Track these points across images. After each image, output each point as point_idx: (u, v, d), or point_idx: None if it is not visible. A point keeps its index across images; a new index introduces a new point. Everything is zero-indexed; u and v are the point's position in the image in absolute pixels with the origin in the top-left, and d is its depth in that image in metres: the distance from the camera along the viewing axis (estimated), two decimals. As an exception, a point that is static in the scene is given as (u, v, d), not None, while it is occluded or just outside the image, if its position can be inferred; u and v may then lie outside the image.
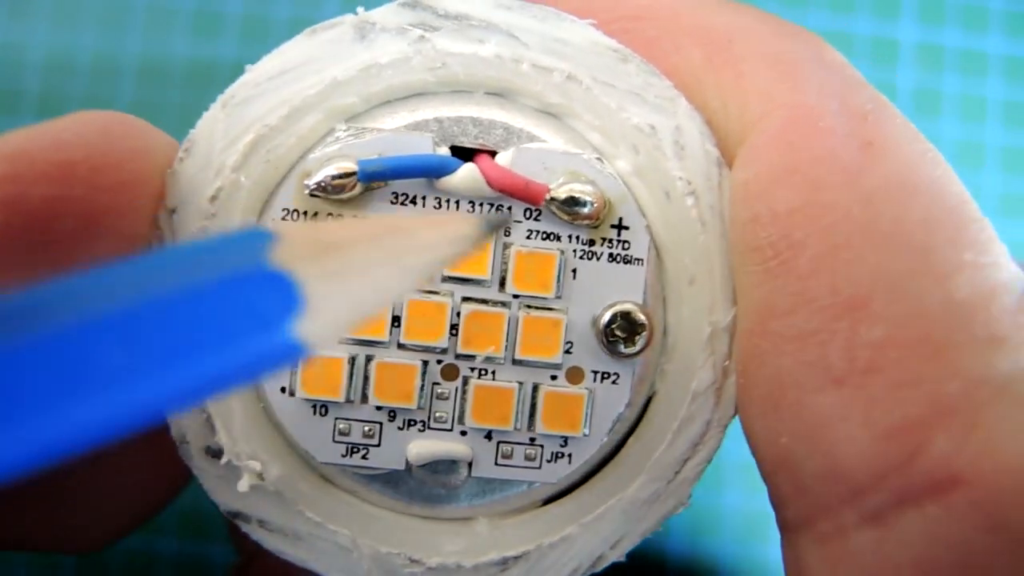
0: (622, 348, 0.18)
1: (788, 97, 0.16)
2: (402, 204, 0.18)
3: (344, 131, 0.18)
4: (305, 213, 0.17)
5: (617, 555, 0.19)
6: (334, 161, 0.17)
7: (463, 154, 0.18)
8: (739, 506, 0.35)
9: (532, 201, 0.18)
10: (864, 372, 0.15)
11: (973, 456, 0.15)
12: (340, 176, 0.17)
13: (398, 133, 0.18)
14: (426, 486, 0.19)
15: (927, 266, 0.15)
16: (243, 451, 0.18)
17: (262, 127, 0.17)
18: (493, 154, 0.18)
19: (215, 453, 0.18)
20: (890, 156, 0.16)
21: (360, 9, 0.18)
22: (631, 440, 0.19)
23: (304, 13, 0.37)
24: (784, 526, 0.17)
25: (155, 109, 0.36)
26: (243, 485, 0.18)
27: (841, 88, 0.17)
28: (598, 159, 0.18)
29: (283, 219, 0.17)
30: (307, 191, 0.17)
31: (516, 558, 0.19)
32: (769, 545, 0.35)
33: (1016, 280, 0.16)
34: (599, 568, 0.19)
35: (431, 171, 0.17)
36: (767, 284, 0.16)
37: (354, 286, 0.13)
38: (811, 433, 0.16)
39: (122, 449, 0.21)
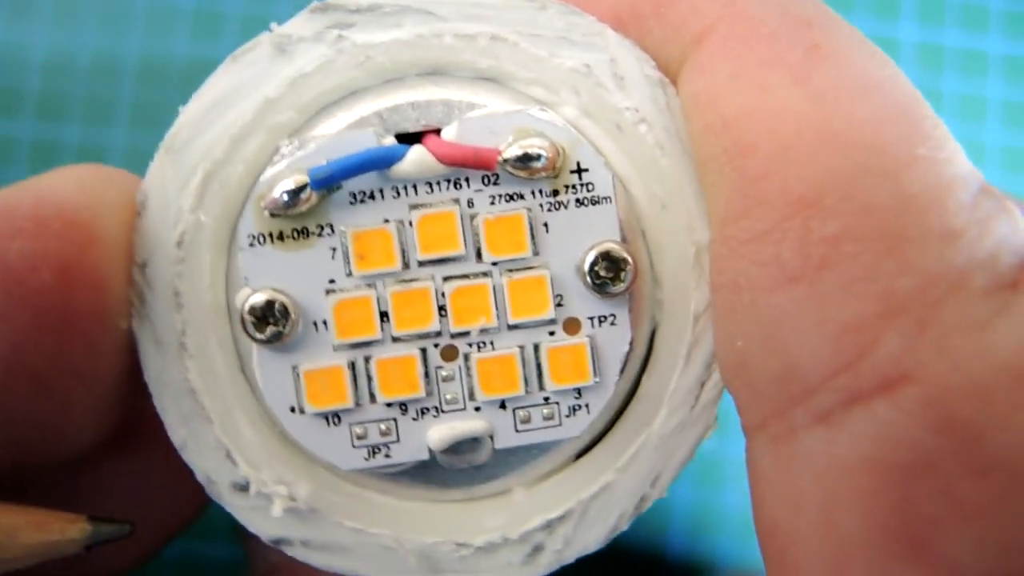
0: (610, 287, 0.18)
1: (728, 10, 0.16)
2: (361, 202, 0.18)
3: (288, 147, 0.18)
4: (271, 234, 0.18)
5: (659, 492, 0.19)
6: (284, 178, 0.17)
7: (411, 140, 0.18)
8: (739, 506, 0.35)
9: (485, 167, 0.17)
10: (817, 269, 0.15)
11: (924, 354, 0.14)
12: (292, 191, 0.17)
13: (340, 135, 0.18)
14: (454, 470, 0.19)
15: (879, 162, 0.15)
16: (268, 478, 0.18)
17: (209, 163, 0.18)
18: (439, 132, 0.18)
19: (242, 487, 0.18)
20: (837, 57, 0.16)
21: (273, 25, 0.18)
22: (645, 377, 0.19)
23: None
24: (745, 432, 0.17)
25: (155, 109, 0.37)
26: (276, 511, 0.18)
27: None
28: (542, 110, 0.18)
29: (251, 246, 0.18)
30: (266, 212, 0.17)
31: (560, 518, 0.19)
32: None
33: (972, 176, 0.15)
34: (644, 509, 0.19)
35: (379, 163, 0.17)
36: (724, 190, 0.16)
37: None
38: (765, 334, 0.15)
39: (135, 488, 0.22)
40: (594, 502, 0.19)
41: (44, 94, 0.37)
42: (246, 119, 0.18)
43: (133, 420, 0.22)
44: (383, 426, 0.18)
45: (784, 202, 0.15)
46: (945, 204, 0.15)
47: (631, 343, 0.18)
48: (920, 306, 0.14)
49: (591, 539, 0.19)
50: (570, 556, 0.19)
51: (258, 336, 0.17)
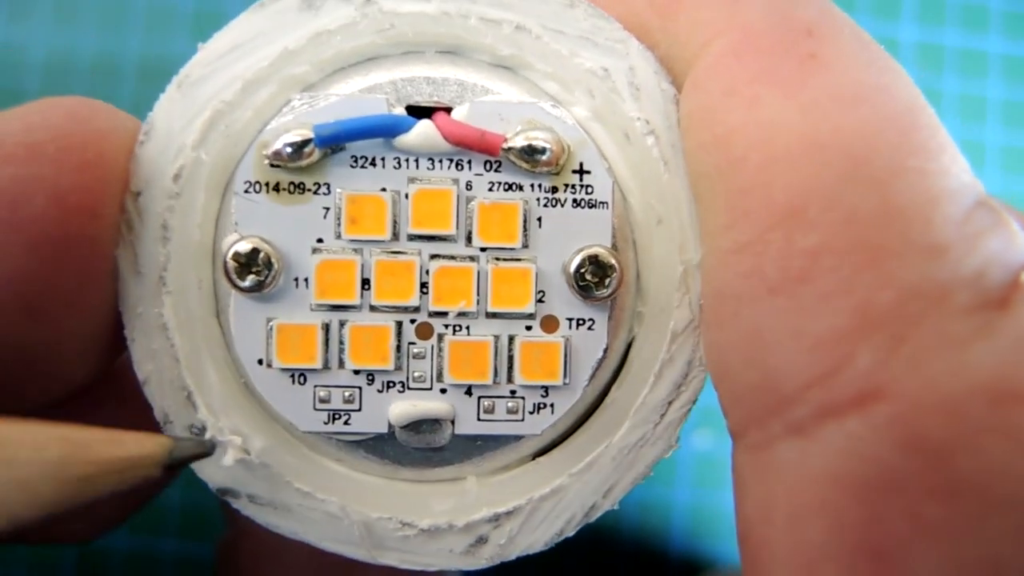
0: (594, 292, 0.18)
1: (727, 22, 0.16)
2: (362, 167, 0.18)
3: (299, 100, 0.18)
4: (267, 184, 0.18)
5: (610, 503, 0.19)
6: (290, 130, 0.17)
7: (420, 114, 0.18)
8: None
9: (489, 151, 0.18)
10: (797, 281, 0.15)
11: (898, 370, 0.14)
12: (296, 144, 0.17)
13: (352, 97, 0.18)
14: (411, 448, 0.19)
15: (865, 172, 0.15)
16: (225, 426, 0.18)
17: (218, 103, 0.18)
18: (449, 111, 0.18)
19: (198, 431, 0.18)
20: (832, 67, 0.15)
21: None
22: (615, 387, 0.19)
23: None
24: (731, 437, 0.17)
25: (155, 109, 0.37)
26: (228, 460, 0.18)
27: (784, 4, 0.16)
28: (554, 106, 0.18)
29: (246, 192, 0.18)
30: (266, 161, 0.17)
31: (508, 513, 0.18)
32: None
33: (967, 189, 0.15)
34: (593, 518, 0.19)
35: (385, 131, 0.17)
36: (713, 204, 0.16)
37: None
38: (746, 344, 0.15)
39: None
40: (544, 503, 0.18)
41: (44, 94, 0.37)
42: (262, 66, 0.18)
43: (110, 374, 0.22)
44: (347, 393, 0.18)
45: (768, 213, 0.15)
46: (931, 217, 0.14)
47: (606, 351, 0.18)
48: (897, 322, 0.14)
49: (536, 539, 0.19)
50: (512, 553, 0.19)
51: (238, 283, 0.17)
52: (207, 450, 0.17)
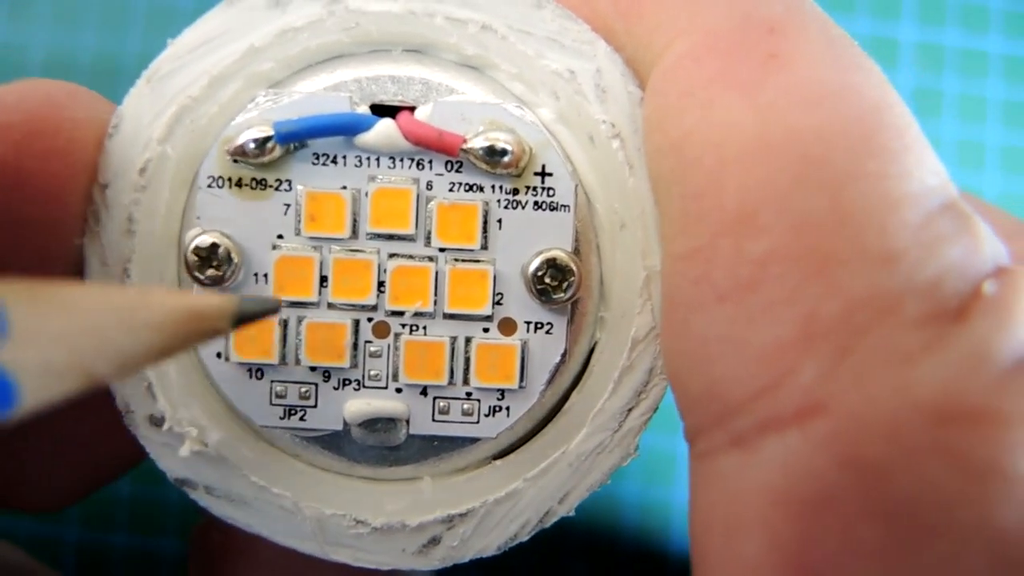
0: (552, 296, 0.18)
1: (689, 23, 0.16)
2: (323, 164, 0.18)
3: (264, 97, 0.18)
4: (230, 179, 0.18)
5: (565, 509, 0.18)
6: (253, 126, 0.17)
7: (386, 112, 0.18)
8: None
9: (447, 152, 0.17)
10: (745, 289, 0.14)
11: (840, 385, 0.14)
12: (259, 140, 0.17)
13: (315, 95, 0.18)
14: (367, 447, 0.19)
15: (818, 176, 0.14)
16: (184, 417, 0.18)
17: (185, 98, 0.18)
18: (414, 110, 0.18)
19: (158, 421, 0.18)
20: (792, 66, 0.15)
21: None
22: (575, 393, 0.19)
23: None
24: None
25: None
26: (184, 451, 0.18)
27: (748, 3, 0.16)
28: (518, 107, 0.18)
29: (209, 187, 0.18)
30: (229, 157, 0.18)
31: (462, 515, 0.18)
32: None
33: (930, 193, 0.14)
34: (548, 523, 0.18)
35: (346, 129, 0.18)
36: (669, 209, 0.16)
37: (72, 330, 0.13)
38: (694, 351, 0.15)
39: (70, 410, 0.22)
40: (498, 506, 0.18)
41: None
42: (228, 62, 0.18)
43: None
44: (303, 389, 0.18)
45: (718, 218, 0.15)
46: (886, 223, 0.14)
47: (564, 355, 0.18)
48: (843, 334, 0.14)
49: (489, 543, 0.18)
50: (465, 556, 0.19)
51: (198, 276, 0.18)
52: (273, 308, 0.16)
